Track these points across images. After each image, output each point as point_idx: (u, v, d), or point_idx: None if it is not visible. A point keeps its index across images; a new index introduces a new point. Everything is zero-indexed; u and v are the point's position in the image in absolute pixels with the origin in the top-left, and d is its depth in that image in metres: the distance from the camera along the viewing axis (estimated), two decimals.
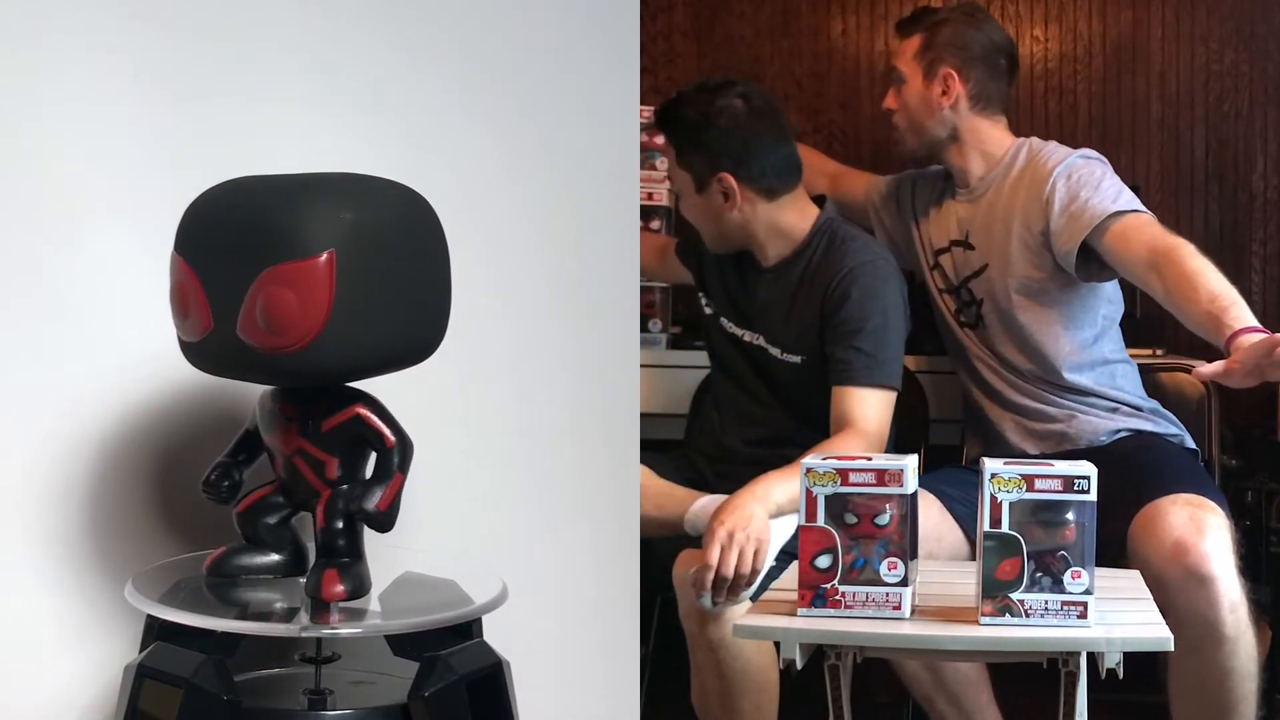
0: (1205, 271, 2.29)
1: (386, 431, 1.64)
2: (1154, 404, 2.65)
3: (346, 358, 1.57)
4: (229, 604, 1.67)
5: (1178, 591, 2.15)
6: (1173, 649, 1.75)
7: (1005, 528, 1.76)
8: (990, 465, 1.78)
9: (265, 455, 1.71)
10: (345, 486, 1.66)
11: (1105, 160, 2.68)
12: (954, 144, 2.78)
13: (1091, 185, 2.57)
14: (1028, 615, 1.75)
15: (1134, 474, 2.37)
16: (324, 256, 1.53)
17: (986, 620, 1.77)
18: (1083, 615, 1.75)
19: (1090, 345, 2.66)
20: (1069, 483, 1.76)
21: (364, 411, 1.64)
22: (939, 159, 2.83)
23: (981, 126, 2.77)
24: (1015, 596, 1.76)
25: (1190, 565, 2.15)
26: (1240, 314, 2.18)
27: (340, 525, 1.64)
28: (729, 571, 2.23)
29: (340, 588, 1.63)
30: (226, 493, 1.71)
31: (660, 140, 2.79)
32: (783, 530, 2.27)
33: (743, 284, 2.70)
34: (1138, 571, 2.08)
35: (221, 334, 1.56)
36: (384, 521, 1.63)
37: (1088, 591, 1.75)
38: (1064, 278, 2.61)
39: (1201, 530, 2.18)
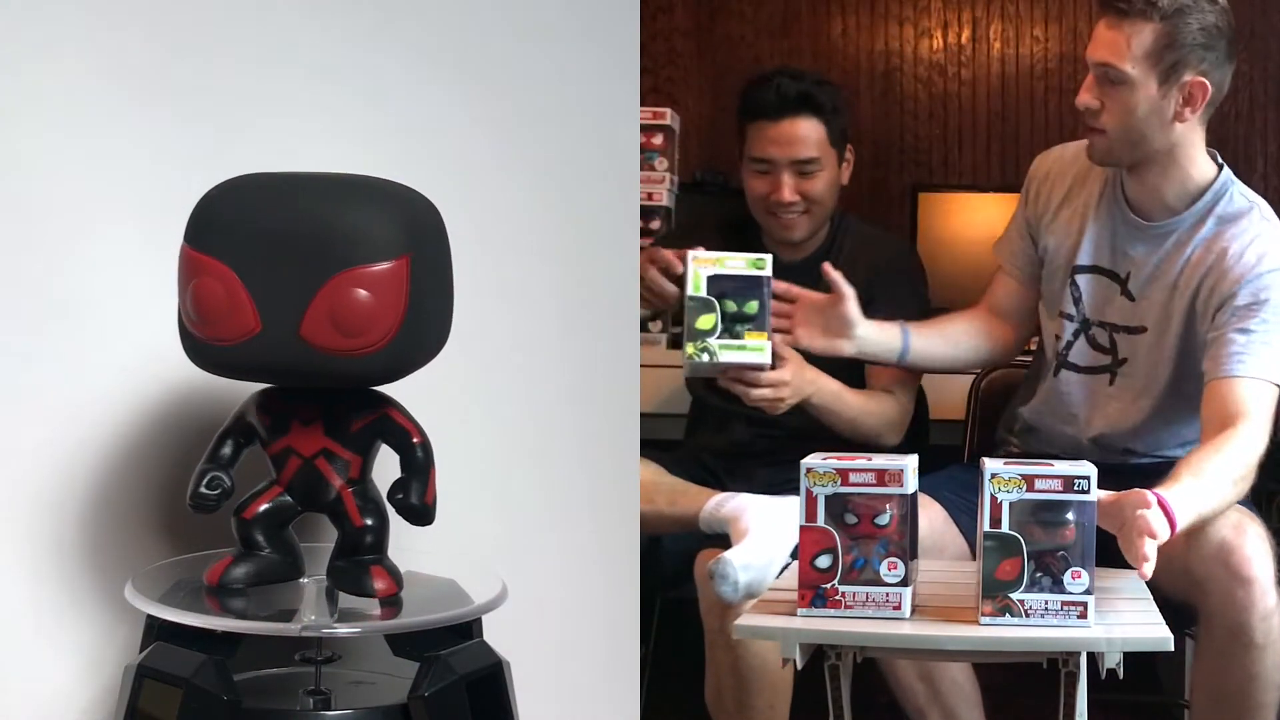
0: (1214, 444, 2.15)
1: (415, 429, 1.67)
2: None
3: (406, 359, 1.61)
4: (229, 604, 1.67)
5: (1215, 590, 2.13)
6: (1172, 649, 1.74)
7: (1005, 528, 1.76)
8: (990, 465, 1.78)
9: (242, 458, 1.69)
10: (362, 484, 1.67)
11: None
12: (1165, 157, 2.34)
13: (1266, 320, 2.25)
14: (1028, 615, 1.75)
15: None
16: (402, 260, 1.55)
17: (986, 620, 1.77)
18: (1083, 615, 1.75)
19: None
20: (1069, 483, 1.76)
21: (394, 411, 1.67)
22: (1136, 171, 2.38)
23: (1197, 141, 2.34)
24: (1015, 596, 1.76)
25: (1233, 565, 2.12)
26: (1175, 485, 2.03)
27: (372, 522, 1.67)
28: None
29: (389, 582, 1.66)
30: (216, 501, 1.67)
31: (659, 141, 2.80)
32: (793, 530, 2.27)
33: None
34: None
35: (274, 336, 1.55)
36: (430, 514, 1.66)
37: (1088, 591, 1.75)
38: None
39: (1245, 534, 2.16)
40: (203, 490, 1.67)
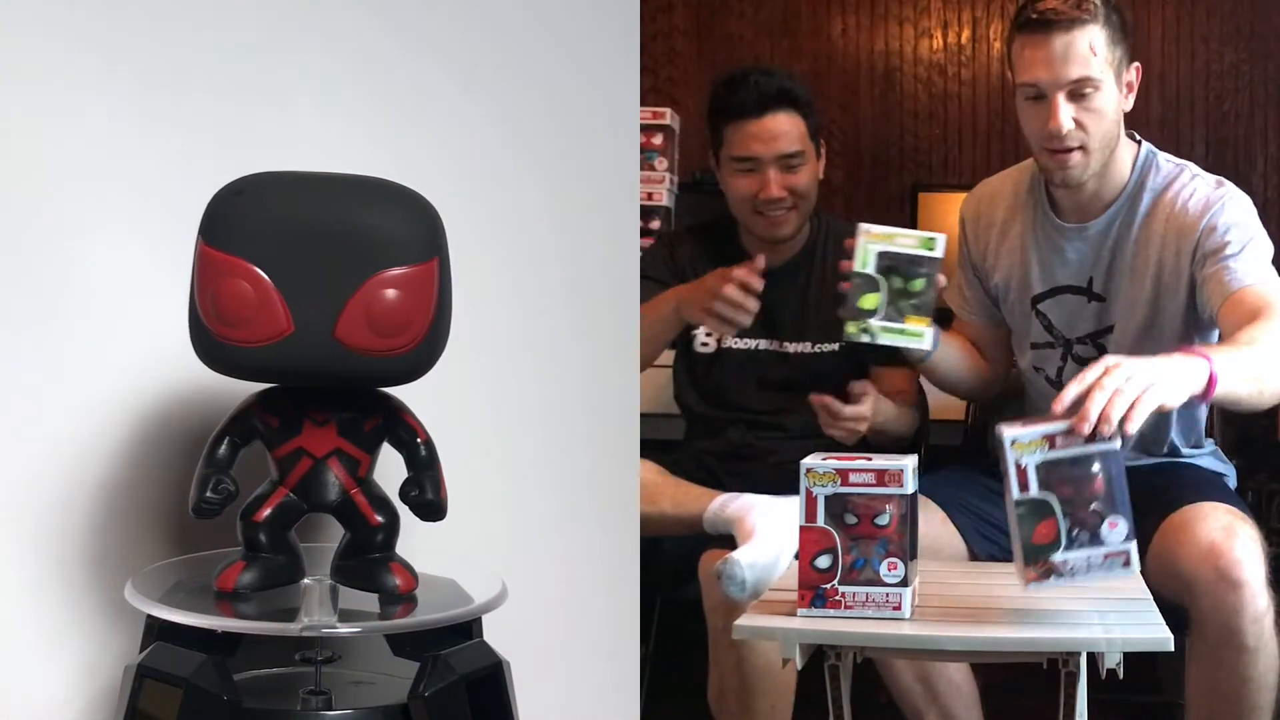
0: (1244, 328, 2.13)
1: (421, 428, 1.69)
2: (1213, 446, 2.56)
3: (428, 360, 1.62)
4: (239, 609, 1.66)
5: (1205, 593, 2.13)
6: (1172, 649, 1.74)
7: (1034, 491, 1.74)
8: (1009, 432, 1.76)
9: (239, 459, 1.68)
10: (368, 483, 1.68)
11: (1238, 195, 2.34)
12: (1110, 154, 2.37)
13: (1239, 241, 2.27)
14: (1073, 574, 1.73)
15: (1168, 480, 2.33)
16: (433, 261, 1.58)
17: (1033, 586, 1.74)
18: (1126, 564, 1.72)
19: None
20: (1090, 434, 1.74)
21: (403, 411, 1.69)
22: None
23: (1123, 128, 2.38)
24: (1057, 559, 1.73)
25: (1223, 568, 2.12)
26: (1219, 346, 2.05)
27: (384, 520, 1.68)
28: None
29: (408, 578, 1.68)
30: (221, 506, 1.66)
31: (659, 141, 2.80)
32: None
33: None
34: (1136, 572, 2.08)
35: (307, 338, 1.55)
36: (444, 509, 1.69)
37: (1128, 539, 1.72)
38: (1191, 318, 2.37)
39: (1236, 537, 2.16)
40: (209, 495, 1.65)
